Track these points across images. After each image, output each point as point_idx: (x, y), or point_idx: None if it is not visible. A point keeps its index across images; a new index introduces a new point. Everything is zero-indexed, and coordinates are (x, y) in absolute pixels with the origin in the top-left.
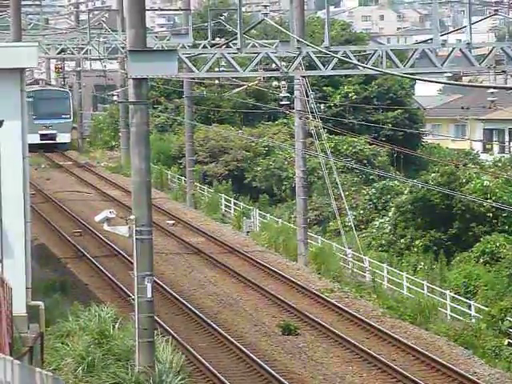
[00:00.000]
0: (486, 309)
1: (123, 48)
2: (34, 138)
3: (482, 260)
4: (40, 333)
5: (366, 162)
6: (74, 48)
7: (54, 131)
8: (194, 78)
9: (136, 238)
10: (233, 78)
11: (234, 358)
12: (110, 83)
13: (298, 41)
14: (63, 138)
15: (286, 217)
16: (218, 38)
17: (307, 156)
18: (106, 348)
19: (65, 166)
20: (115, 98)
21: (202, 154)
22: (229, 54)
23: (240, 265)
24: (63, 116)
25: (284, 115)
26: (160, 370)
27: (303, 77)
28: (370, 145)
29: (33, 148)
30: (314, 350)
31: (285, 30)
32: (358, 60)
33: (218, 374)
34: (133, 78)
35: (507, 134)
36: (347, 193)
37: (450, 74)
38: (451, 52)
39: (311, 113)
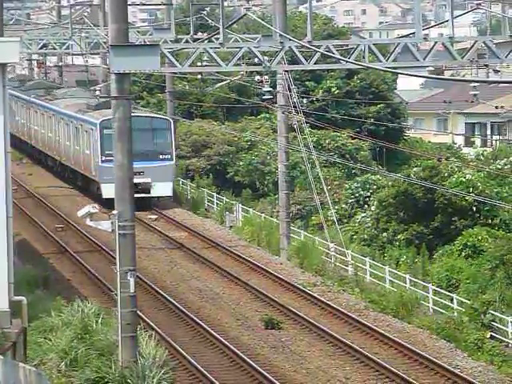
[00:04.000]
0: (469, 302)
1: (105, 43)
2: None
3: (464, 253)
4: (23, 328)
5: (348, 156)
6: (55, 43)
7: (148, 180)
8: (176, 73)
9: (119, 233)
10: (215, 72)
11: (216, 353)
12: (92, 78)
13: (280, 35)
14: (162, 189)
15: (268, 211)
16: (200, 33)
17: (290, 150)
18: (89, 343)
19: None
20: (97, 93)
21: (184, 148)
22: (211, 48)
23: (223, 259)
24: (162, 157)
25: (266, 110)
26: (143, 365)
27: (286, 71)
28: (353, 139)
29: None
30: (297, 343)
31: (267, 25)
32: (341, 54)
33: (201, 369)
34: (115, 73)
35: (489, 127)
36: (330, 187)
37: (432, 68)
38: (433, 46)
39: (294, 107)
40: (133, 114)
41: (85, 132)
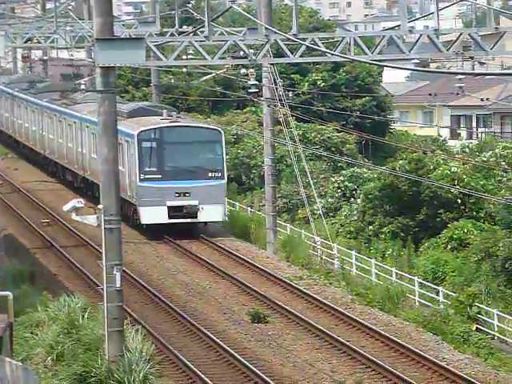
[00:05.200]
0: (455, 295)
1: (90, 36)
2: (159, 214)
3: (449, 246)
4: (9, 323)
5: (334, 149)
6: (40, 37)
7: (195, 202)
8: (161, 66)
9: (105, 228)
10: (201, 65)
11: (203, 347)
12: (78, 72)
13: (265, 28)
14: (211, 213)
15: (255, 205)
16: (185, 26)
17: (276, 144)
18: (76, 337)
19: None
20: (82, 87)
21: None
22: (196, 41)
23: (209, 253)
24: (211, 175)
25: (252, 103)
26: (130, 359)
27: (271, 64)
28: (339, 132)
29: (154, 229)
30: (284, 337)
31: (252, 18)
32: (326, 47)
33: (188, 363)
34: (100, 67)
35: (475, 120)
36: (316, 180)
37: (417, 61)
38: (419, 38)
39: (279, 100)
40: (177, 124)
41: (118, 145)
